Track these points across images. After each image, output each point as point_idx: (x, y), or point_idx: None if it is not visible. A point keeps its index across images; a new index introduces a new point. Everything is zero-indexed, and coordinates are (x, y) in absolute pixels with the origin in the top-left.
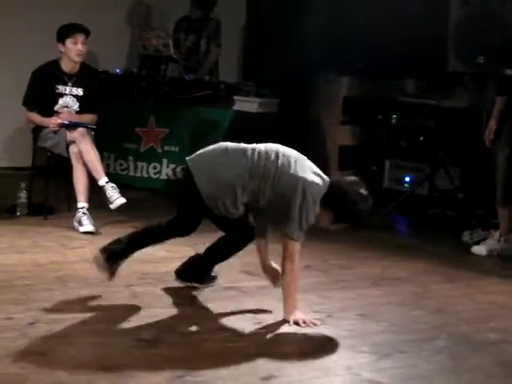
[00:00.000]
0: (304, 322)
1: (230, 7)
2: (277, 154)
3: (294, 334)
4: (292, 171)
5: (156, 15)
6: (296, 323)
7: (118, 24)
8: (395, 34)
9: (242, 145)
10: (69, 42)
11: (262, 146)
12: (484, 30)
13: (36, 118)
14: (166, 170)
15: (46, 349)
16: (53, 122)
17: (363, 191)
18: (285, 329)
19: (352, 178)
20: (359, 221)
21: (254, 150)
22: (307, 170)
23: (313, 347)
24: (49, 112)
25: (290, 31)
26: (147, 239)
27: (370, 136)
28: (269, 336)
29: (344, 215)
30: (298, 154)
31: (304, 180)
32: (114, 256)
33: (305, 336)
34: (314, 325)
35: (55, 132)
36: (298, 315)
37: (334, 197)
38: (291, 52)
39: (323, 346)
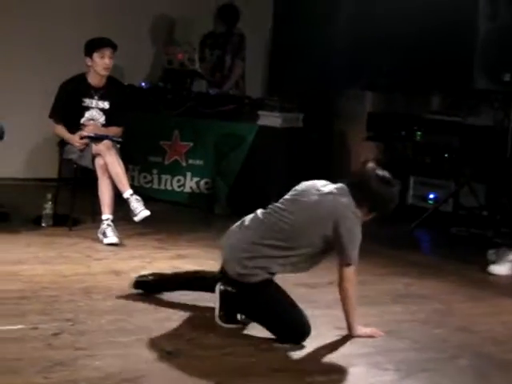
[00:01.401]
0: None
1: (254, 22)
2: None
3: (318, 351)
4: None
5: (180, 29)
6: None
7: (143, 38)
8: (421, 50)
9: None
10: (96, 56)
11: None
12: (511, 47)
13: (63, 132)
14: (190, 184)
15: (70, 360)
16: (78, 140)
17: (386, 175)
18: (309, 344)
19: (372, 165)
20: (387, 207)
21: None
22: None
23: (337, 364)
24: (75, 125)
25: (315, 46)
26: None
27: (395, 152)
28: (293, 352)
29: (374, 203)
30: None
31: (337, 203)
32: None
33: (329, 352)
34: (380, 335)
35: (81, 150)
36: (363, 329)
37: (361, 189)
38: (316, 67)
39: (347, 363)
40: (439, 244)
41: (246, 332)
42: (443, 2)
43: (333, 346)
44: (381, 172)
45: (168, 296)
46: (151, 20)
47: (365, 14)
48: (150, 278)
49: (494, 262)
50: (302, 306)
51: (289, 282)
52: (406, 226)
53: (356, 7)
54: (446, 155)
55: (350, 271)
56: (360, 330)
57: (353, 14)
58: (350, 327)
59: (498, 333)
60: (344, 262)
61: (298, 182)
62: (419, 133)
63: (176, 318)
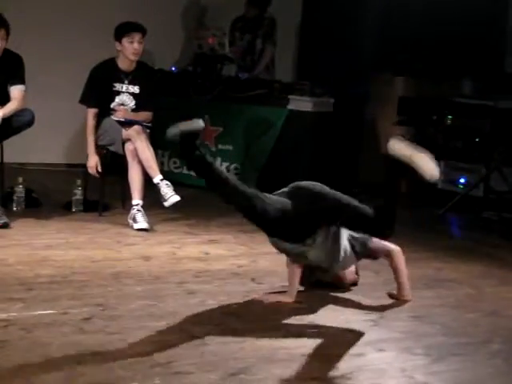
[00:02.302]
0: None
1: (285, 6)
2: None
3: (346, 335)
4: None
5: (211, 14)
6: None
7: (173, 22)
8: (452, 34)
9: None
10: (125, 41)
11: None
12: None
13: (90, 139)
14: (220, 169)
15: (101, 344)
16: (92, 166)
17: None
18: (336, 331)
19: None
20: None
21: None
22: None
23: (366, 348)
24: (105, 109)
25: (346, 31)
26: None
27: (425, 136)
28: (321, 337)
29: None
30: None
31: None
32: None
33: (358, 337)
34: None
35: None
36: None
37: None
38: (347, 52)
39: (377, 348)
40: (470, 228)
41: (276, 319)
42: None
43: (361, 331)
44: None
45: (200, 282)
46: (182, 4)
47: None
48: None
49: None
50: (326, 291)
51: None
52: (437, 210)
53: None
54: (477, 139)
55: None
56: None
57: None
58: (405, 290)
59: None
60: None
61: (328, 168)
62: (450, 117)
63: (207, 303)
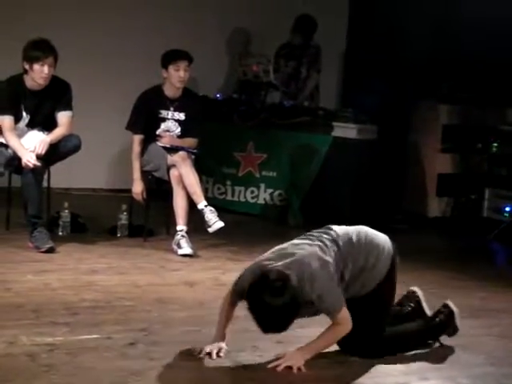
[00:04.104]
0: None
1: (330, 34)
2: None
3: (391, 362)
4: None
5: (256, 41)
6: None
7: (218, 50)
8: (496, 61)
9: None
10: (171, 69)
11: None
12: None
13: (135, 157)
14: (264, 195)
15: (144, 370)
16: (138, 193)
17: None
18: (381, 360)
19: None
20: None
21: None
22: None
23: (410, 377)
24: (151, 136)
25: (390, 58)
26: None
27: (470, 164)
28: (365, 366)
29: None
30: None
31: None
32: None
33: (402, 366)
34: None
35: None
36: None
37: None
38: (391, 79)
39: (421, 377)
40: None
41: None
42: None
43: (406, 359)
44: None
45: (244, 309)
46: (227, 32)
47: (442, 26)
48: None
49: None
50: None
51: None
52: (482, 238)
53: (434, 19)
54: None
55: (341, 317)
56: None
57: (430, 26)
58: (304, 350)
59: None
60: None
61: (372, 195)
62: (495, 144)
63: (250, 329)
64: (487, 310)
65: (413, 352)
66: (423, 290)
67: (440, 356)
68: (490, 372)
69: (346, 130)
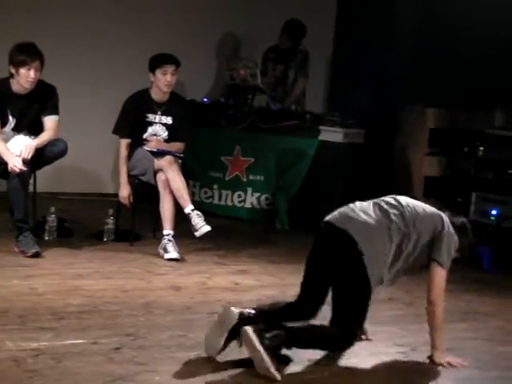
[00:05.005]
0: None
1: (317, 38)
2: (399, 204)
3: (377, 367)
4: (425, 213)
5: (245, 46)
6: (450, 364)
7: (205, 54)
8: (483, 65)
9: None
10: (158, 73)
11: (381, 203)
12: None
13: (122, 162)
14: (251, 199)
15: (130, 375)
16: (124, 197)
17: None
18: (368, 361)
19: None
20: (467, 253)
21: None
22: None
23: (396, 379)
24: (138, 140)
25: (377, 62)
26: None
27: (457, 168)
28: (352, 369)
29: (463, 248)
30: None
31: (440, 217)
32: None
33: (388, 369)
34: (463, 366)
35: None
36: (449, 356)
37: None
38: (377, 83)
39: (408, 380)
40: (501, 261)
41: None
42: (505, 17)
43: (392, 363)
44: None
45: None
46: (215, 36)
47: (428, 30)
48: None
49: None
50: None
51: None
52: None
53: (420, 23)
54: (509, 171)
55: (439, 274)
56: (442, 357)
57: (416, 30)
58: (436, 348)
59: None
60: (436, 259)
61: (359, 198)
62: (482, 148)
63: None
64: (474, 313)
65: (397, 355)
66: (409, 294)
67: (425, 359)
68: (476, 375)
69: (332, 134)
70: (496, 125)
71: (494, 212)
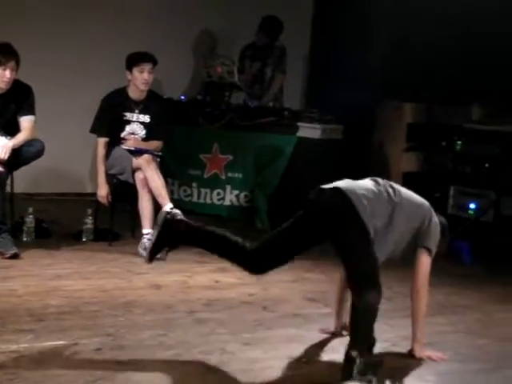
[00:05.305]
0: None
1: (294, 35)
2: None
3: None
4: (417, 199)
5: (222, 43)
6: (430, 358)
7: (182, 51)
8: (460, 60)
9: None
10: (135, 71)
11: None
12: None
13: (100, 161)
14: (230, 197)
15: (111, 375)
16: (103, 196)
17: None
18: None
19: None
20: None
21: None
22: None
23: (379, 376)
24: (116, 139)
25: (354, 58)
26: (219, 248)
27: (435, 162)
28: (332, 363)
29: (441, 244)
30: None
31: (430, 207)
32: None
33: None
34: (443, 360)
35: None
36: (428, 350)
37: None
38: (355, 79)
39: (390, 375)
40: (479, 254)
41: (287, 347)
42: (482, 13)
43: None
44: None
45: (211, 311)
46: (192, 33)
47: (404, 26)
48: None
49: None
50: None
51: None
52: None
53: (397, 19)
54: (487, 165)
55: (426, 262)
56: (423, 351)
57: (393, 26)
58: (416, 340)
59: None
60: (425, 245)
61: None
62: (459, 142)
63: (217, 332)
64: (452, 306)
65: (377, 350)
66: (388, 288)
67: (405, 353)
68: (456, 369)
69: (310, 131)
70: (473, 119)
71: (471, 206)
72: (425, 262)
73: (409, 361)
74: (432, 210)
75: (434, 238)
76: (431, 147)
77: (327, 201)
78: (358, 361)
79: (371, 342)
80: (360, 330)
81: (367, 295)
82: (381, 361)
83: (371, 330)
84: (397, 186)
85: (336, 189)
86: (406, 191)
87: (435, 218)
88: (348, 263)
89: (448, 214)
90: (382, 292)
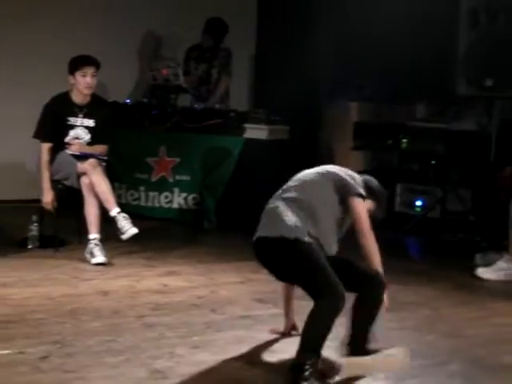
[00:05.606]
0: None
1: (239, 36)
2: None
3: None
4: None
5: (167, 45)
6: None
7: (127, 54)
8: (404, 59)
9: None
10: (78, 75)
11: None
12: (493, 53)
13: (44, 174)
14: (178, 199)
15: (59, 383)
16: (48, 202)
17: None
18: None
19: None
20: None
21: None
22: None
23: (328, 372)
24: (60, 144)
25: (300, 59)
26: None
27: (381, 160)
28: (282, 364)
29: (379, 206)
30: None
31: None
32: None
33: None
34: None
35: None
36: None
37: (372, 188)
38: (301, 79)
39: (338, 370)
40: (427, 250)
41: (237, 348)
42: (425, 15)
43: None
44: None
45: (159, 315)
46: (136, 36)
47: (349, 26)
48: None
49: (481, 266)
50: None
51: None
52: (394, 233)
53: (341, 20)
54: (433, 162)
55: (359, 204)
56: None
57: (337, 27)
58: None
59: (487, 337)
60: (349, 193)
61: None
62: (405, 140)
63: (166, 336)
64: (398, 303)
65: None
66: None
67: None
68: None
69: (257, 132)
70: (418, 117)
71: (418, 203)
72: (358, 204)
73: (355, 358)
74: (344, 171)
75: (355, 183)
76: (378, 146)
77: (259, 256)
78: (305, 367)
79: (320, 346)
80: (308, 335)
81: (322, 302)
82: (335, 365)
83: (321, 335)
84: (297, 182)
85: (259, 240)
86: (307, 181)
87: (350, 173)
88: (302, 286)
89: (395, 211)
90: (343, 298)
